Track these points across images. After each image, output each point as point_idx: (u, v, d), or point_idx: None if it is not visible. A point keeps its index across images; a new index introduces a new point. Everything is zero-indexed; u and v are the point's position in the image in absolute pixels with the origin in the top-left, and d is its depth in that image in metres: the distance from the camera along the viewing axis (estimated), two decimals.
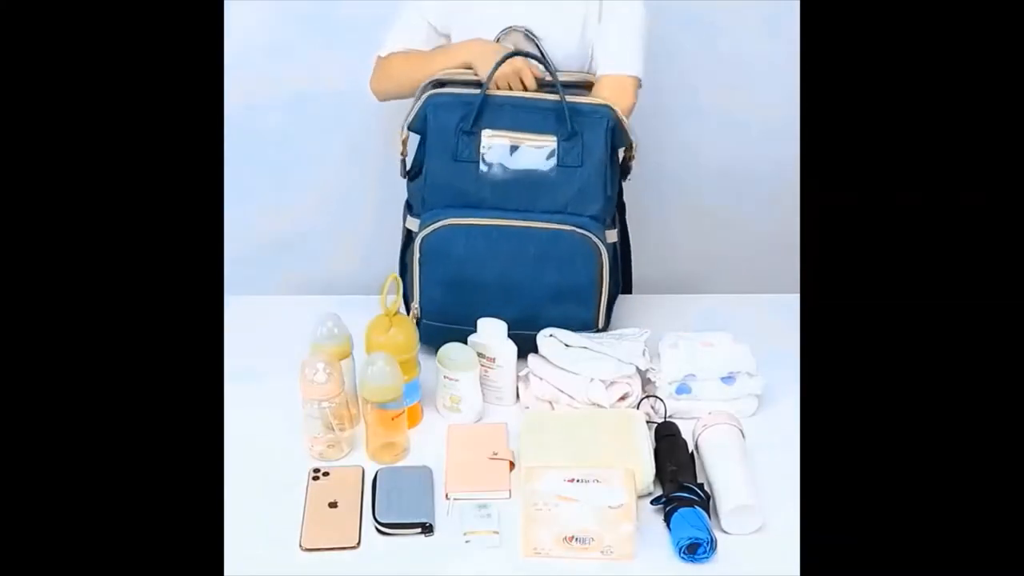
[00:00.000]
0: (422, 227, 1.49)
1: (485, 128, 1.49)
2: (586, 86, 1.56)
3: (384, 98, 1.69)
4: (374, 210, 2.09)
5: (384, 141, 1.56)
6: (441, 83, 1.55)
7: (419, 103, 1.52)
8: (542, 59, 1.53)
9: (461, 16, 1.62)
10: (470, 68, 1.54)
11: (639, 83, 1.58)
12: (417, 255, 1.50)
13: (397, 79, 1.64)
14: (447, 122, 1.50)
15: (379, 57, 1.66)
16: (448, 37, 1.64)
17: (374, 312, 1.43)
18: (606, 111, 1.49)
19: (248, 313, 1.63)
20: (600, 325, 1.54)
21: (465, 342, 1.46)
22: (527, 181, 1.48)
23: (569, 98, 1.49)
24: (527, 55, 1.53)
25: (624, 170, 1.58)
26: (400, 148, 1.55)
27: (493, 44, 1.55)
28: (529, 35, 1.57)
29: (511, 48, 1.54)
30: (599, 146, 1.48)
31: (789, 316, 1.30)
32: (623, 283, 1.66)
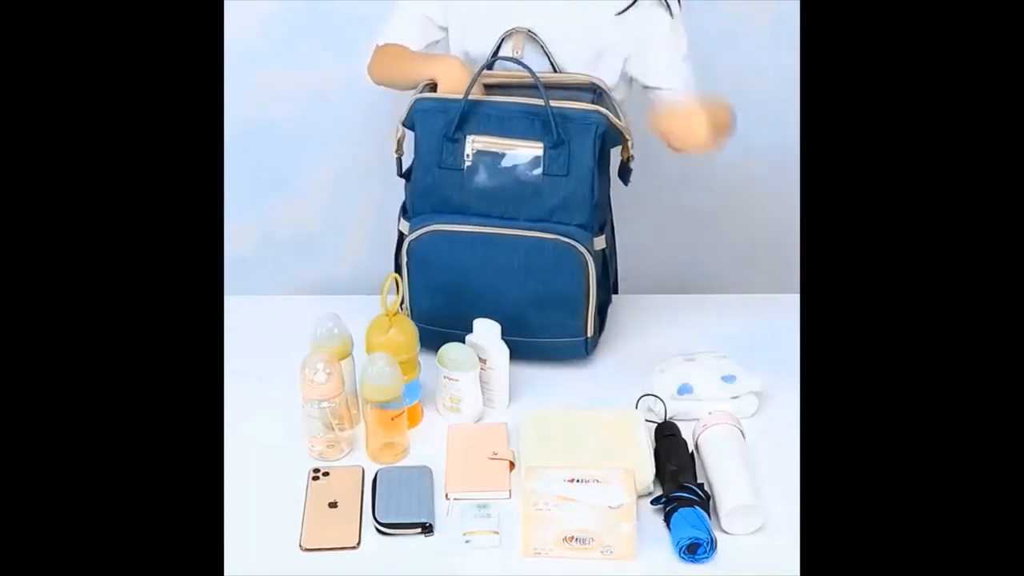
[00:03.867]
0: (410, 232, 1.48)
1: (470, 134, 1.47)
2: (590, 89, 1.55)
3: (378, 84, 1.69)
4: (374, 210, 2.08)
5: (385, 141, 1.56)
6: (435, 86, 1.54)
7: (408, 104, 1.51)
8: (525, 65, 1.49)
9: (457, 11, 1.61)
10: (435, 84, 1.53)
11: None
12: (406, 259, 1.50)
13: (384, 71, 1.66)
14: (432, 128, 1.49)
15: (377, 44, 1.67)
16: (446, 31, 1.64)
17: (374, 312, 1.43)
18: (596, 118, 1.46)
19: (248, 313, 1.62)
20: (590, 333, 1.52)
21: (463, 343, 1.46)
22: (512, 188, 1.46)
23: (560, 103, 1.46)
24: (511, 60, 1.51)
25: (624, 172, 1.57)
26: (395, 147, 1.55)
27: (462, 65, 1.53)
28: (532, 35, 1.56)
29: (496, 65, 1.52)
30: (586, 154, 1.46)
31: (789, 316, 1.29)
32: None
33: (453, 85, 1.50)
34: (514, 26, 1.55)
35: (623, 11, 1.54)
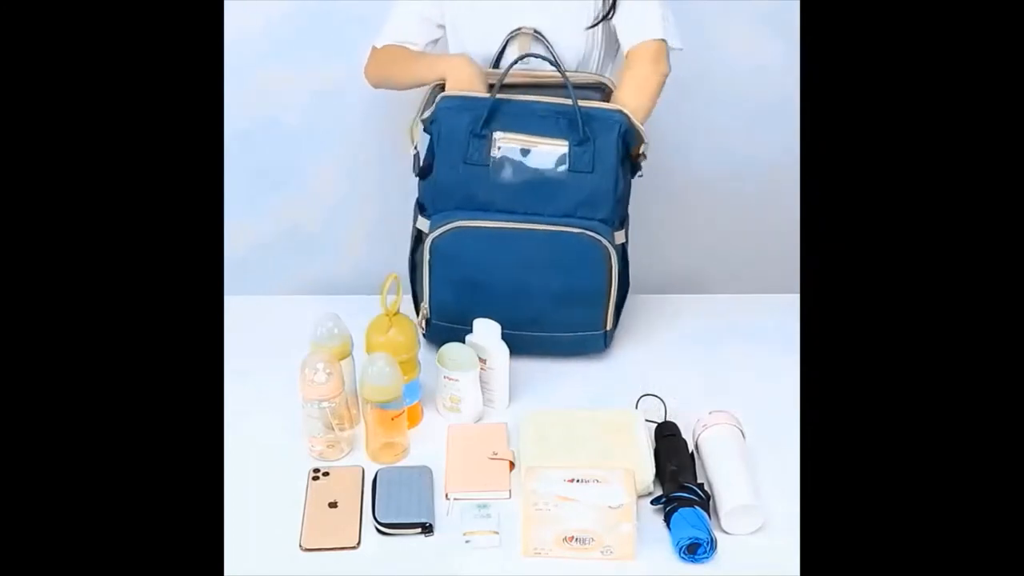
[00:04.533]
0: (432, 228, 1.49)
1: (497, 131, 1.49)
2: (597, 88, 1.56)
3: (376, 86, 1.69)
4: (374, 210, 2.09)
5: (385, 141, 1.56)
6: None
7: (434, 104, 1.52)
8: (554, 61, 1.52)
9: (455, 12, 1.62)
10: (444, 82, 1.54)
11: (667, 47, 1.56)
12: (427, 256, 1.50)
13: (385, 72, 1.67)
14: (458, 124, 1.49)
15: (374, 47, 1.67)
16: (444, 28, 1.64)
17: (374, 312, 1.43)
18: (619, 116, 1.48)
19: (248, 313, 1.63)
20: (608, 327, 1.54)
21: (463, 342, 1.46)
22: (537, 184, 1.47)
23: (582, 102, 1.48)
24: (536, 56, 1.52)
25: (634, 168, 1.58)
26: (411, 142, 1.55)
27: (470, 62, 1.54)
28: (538, 36, 1.57)
29: (501, 67, 1.53)
30: (611, 151, 1.48)
31: (789, 316, 1.30)
32: None
33: (460, 82, 1.51)
34: (519, 27, 1.56)
35: (592, 25, 1.57)
